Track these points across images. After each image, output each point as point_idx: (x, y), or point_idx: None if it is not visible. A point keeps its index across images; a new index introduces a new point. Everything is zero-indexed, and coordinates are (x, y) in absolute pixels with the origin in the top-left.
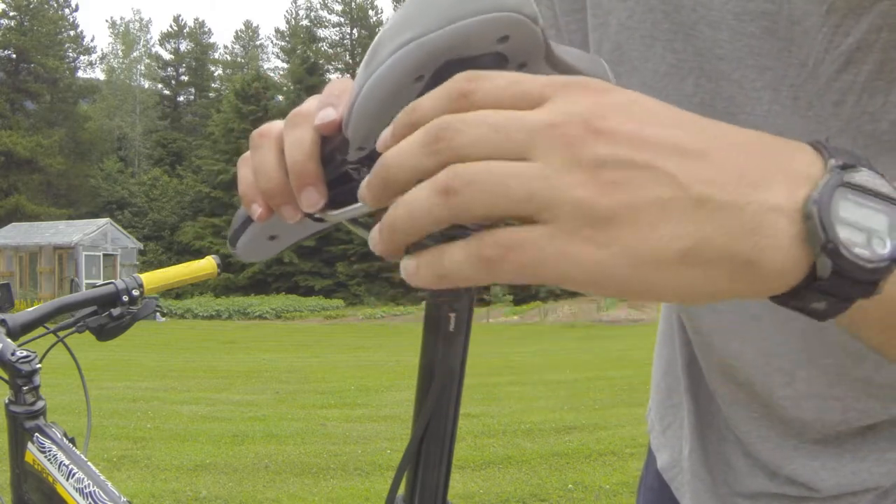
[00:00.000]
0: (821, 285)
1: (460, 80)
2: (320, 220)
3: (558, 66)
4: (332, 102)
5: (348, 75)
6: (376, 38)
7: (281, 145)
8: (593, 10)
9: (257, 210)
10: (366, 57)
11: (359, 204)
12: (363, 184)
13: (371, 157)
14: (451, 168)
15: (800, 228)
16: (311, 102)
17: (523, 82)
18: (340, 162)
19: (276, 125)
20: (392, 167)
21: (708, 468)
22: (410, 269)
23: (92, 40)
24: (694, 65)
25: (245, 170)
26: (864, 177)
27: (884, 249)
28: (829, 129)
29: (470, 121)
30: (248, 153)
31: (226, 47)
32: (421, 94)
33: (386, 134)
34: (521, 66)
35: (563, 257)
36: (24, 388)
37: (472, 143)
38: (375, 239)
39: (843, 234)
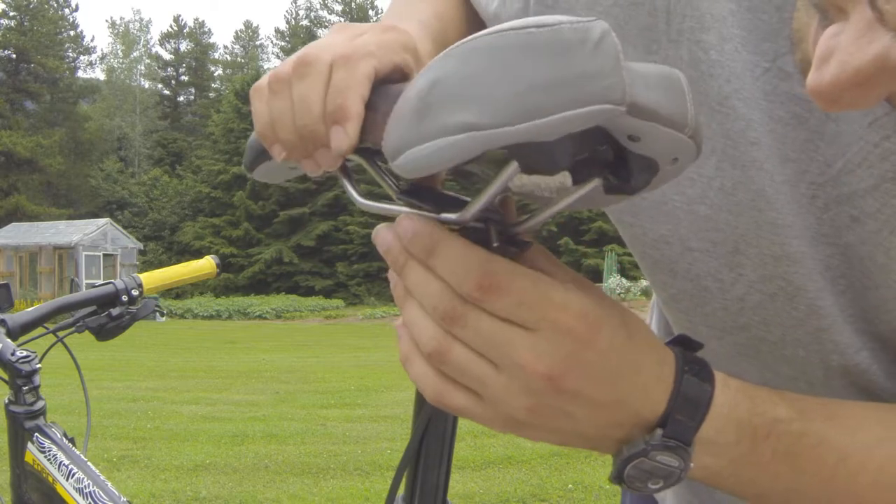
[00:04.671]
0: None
1: (474, 288)
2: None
3: (640, 115)
4: (337, 119)
5: (348, 23)
6: (427, 78)
7: (328, 79)
8: None
9: (280, 153)
10: (415, 99)
11: (394, 207)
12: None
13: None
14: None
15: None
16: (360, 58)
17: (522, 311)
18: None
19: (322, 56)
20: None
21: (694, 492)
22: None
23: (92, 40)
24: (717, 145)
25: (261, 105)
26: (657, 462)
27: (656, 486)
28: (845, 238)
29: (469, 339)
30: (261, 85)
31: (226, 47)
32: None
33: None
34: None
35: (489, 422)
36: (24, 388)
37: (469, 340)
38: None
39: (629, 472)
